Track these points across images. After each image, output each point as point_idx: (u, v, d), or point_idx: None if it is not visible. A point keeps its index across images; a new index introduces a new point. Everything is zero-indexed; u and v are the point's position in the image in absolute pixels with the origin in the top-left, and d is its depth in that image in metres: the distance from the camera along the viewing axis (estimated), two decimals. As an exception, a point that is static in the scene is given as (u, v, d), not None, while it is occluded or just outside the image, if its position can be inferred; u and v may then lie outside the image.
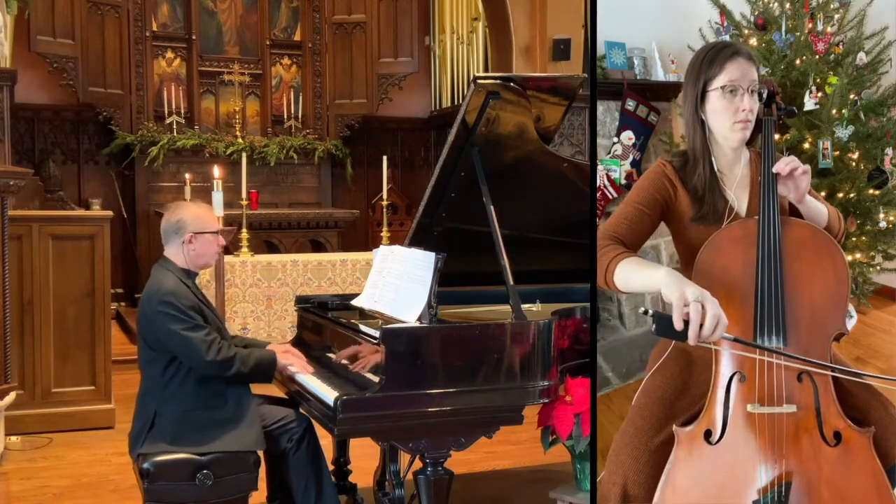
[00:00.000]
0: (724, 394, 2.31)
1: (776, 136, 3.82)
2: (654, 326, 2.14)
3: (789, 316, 2.28)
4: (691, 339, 2.10)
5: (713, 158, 2.51)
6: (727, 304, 2.28)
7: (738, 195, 2.51)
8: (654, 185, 2.53)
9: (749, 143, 2.54)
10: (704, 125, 2.49)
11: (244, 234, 6.75)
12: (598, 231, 2.49)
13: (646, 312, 2.17)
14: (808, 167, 2.40)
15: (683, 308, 2.10)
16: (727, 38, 3.97)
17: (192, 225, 3.11)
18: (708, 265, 2.34)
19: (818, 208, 2.50)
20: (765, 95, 2.46)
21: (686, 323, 2.09)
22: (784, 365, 2.27)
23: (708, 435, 2.31)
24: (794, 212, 2.53)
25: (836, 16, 3.94)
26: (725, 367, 2.32)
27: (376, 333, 2.82)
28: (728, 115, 2.43)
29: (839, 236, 2.57)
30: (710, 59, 2.45)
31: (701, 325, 2.09)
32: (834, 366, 2.31)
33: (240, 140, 9.29)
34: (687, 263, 2.52)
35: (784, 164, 2.37)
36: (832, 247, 2.36)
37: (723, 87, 2.42)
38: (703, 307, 2.09)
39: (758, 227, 2.34)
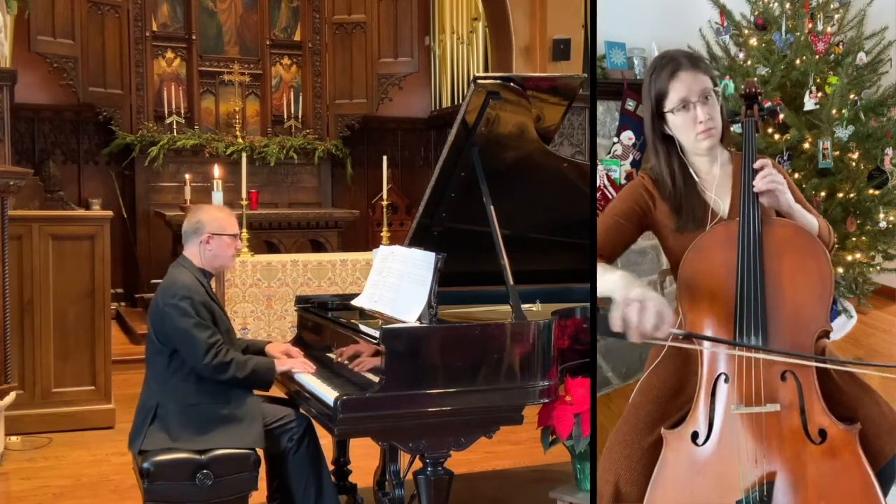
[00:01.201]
0: (708, 395, 2.32)
1: (776, 137, 3.84)
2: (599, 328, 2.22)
3: (770, 315, 2.30)
4: (631, 336, 2.15)
5: (689, 167, 2.52)
6: (712, 305, 2.30)
7: (719, 196, 2.52)
8: (632, 197, 2.58)
9: (721, 141, 2.55)
10: (671, 139, 2.53)
11: (244, 234, 6.74)
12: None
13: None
14: (780, 181, 2.40)
15: (624, 308, 2.16)
16: (727, 38, 3.97)
17: (211, 226, 3.16)
18: (692, 268, 2.36)
19: (808, 220, 2.50)
20: (710, 95, 2.47)
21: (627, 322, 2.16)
22: (766, 364, 2.28)
23: (695, 436, 2.32)
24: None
25: (836, 16, 3.94)
26: (710, 369, 2.33)
27: (376, 333, 2.82)
28: (689, 130, 2.48)
29: (829, 247, 2.58)
30: (655, 77, 2.49)
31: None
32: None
33: (240, 140, 9.29)
34: (675, 269, 2.53)
35: (761, 181, 2.37)
36: (815, 245, 2.37)
37: (673, 107, 2.44)
38: (644, 305, 2.15)
39: (738, 227, 2.35)
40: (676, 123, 2.49)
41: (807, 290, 2.33)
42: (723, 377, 2.32)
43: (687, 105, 2.45)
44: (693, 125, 2.46)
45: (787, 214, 2.45)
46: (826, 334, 2.39)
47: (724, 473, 2.29)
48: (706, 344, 2.32)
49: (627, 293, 2.18)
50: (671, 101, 2.46)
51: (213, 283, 5.55)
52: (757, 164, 2.40)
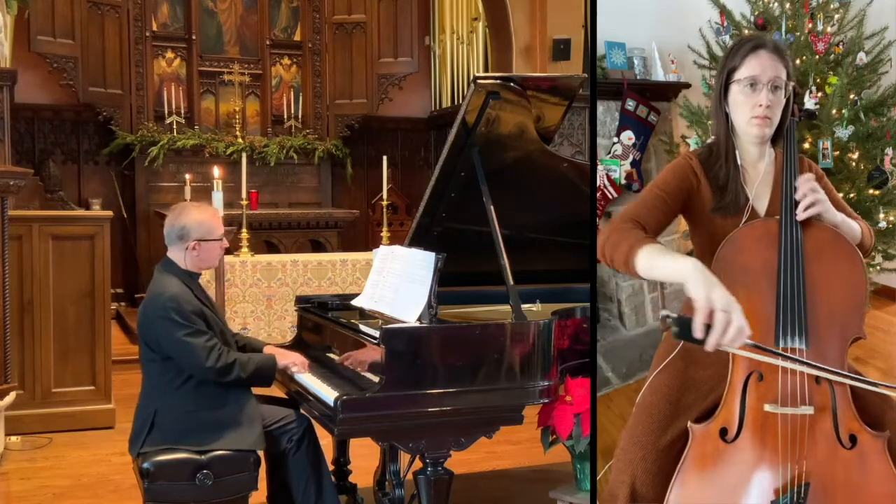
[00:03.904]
0: (740, 392, 2.30)
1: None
2: (675, 329, 2.10)
3: (810, 318, 2.28)
4: (710, 346, 2.08)
5: (737, 153, 2.50)
6: (746, 302, 2.27)
7: (759, 193, 2.50)
8: (678, 176, 2.52)
9: (774, 143, 2.54)
10: (728, 118, 2.50)
11: (244, 234, 6.75)
12: (616, 215, 2.49)
13: (667, 317, 2.13)
14: (821, 198, 2.36)
15: (707, 313, 2.07)
16: (727, 38, 3.97)
17: (197, 232, 3.09)
18: (727, 262, 2.34)
19: (851, 227, 2.46)
20: (780, 87, 2.43)
21: (708, 327, 2.06)
22: (804, 366, 2.26)
23: (724, 433, 2.30)
24: None
25: (836, 16, 3.94)
26: (744, 365, 2.31)
27: (376, 333, 2.82)
28: (746, 110, 2.43)
29: (869, 251, 2.57)
30: (735, 50, 2.46)
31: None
32: (855, 376, 2.29)
33: (240, 140, 9.29)
34: (703, 255, 2.51)
35: (802, 212, 2.34)
36: (851, 251, 2.36)
37: (739, 81, 2.42)
38: (729, 319, 2.06)
39: (779, 228, 2.33)
40: (737, 99, 2.45)
41: (843, 294, 2.32)
42: (756, 374, 2.29)
43: (755, 84, 2.41)
44: (752, 108, 2.42)
45: (834, 225, 2.43)
46: (857, 340, 2.38)
47: (753, 473, 2.27)
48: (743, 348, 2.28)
49: (711, 297, 2.08)
50: (741, 73, 2.42)
51: (211, 284, 5.46)
52: (798, 183, 2.36)
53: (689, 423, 2.34)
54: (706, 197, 2.51)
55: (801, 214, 2.34)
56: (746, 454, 2.28)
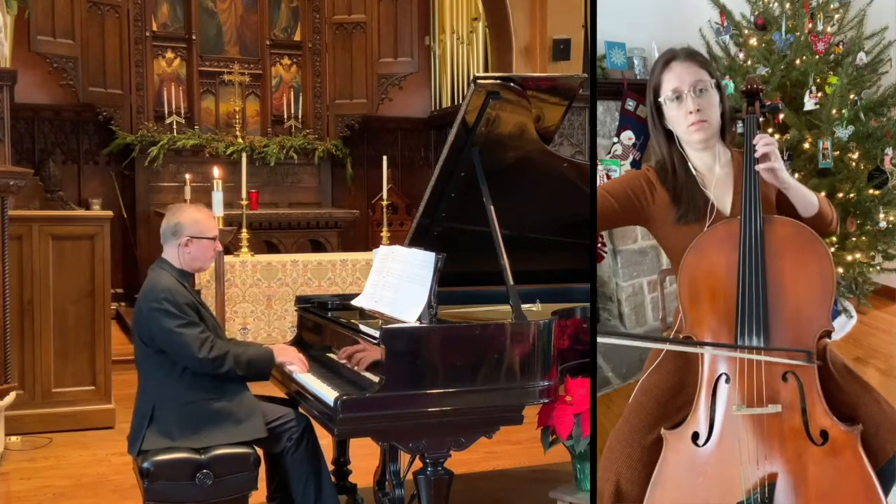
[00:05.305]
0: (709, 396, 2.32)
1: (776, 136, 3.84)
2: None
3: (772, 315, 2.29)
4: None
5: (689, 161, 2.54)
6: (713, 305, 2.30)
7: (721, 194, 2.52)
8: (630, 183, 2.60)
9: (725, 139, 2.56)
10: (670, 134, 2.56)
11: (244, 234, 6.75)
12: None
13: None
14: (774, 165, 2.40)
15: None
16: (727, 38, 3.97)
17: (190, 229, 3.14)
18: (693, 267, 2.36)
19: (806, 194, 2.50)
20: (706, 89, 2.48)
21: None
22: (767, 365, 2.27)
23: (695, 437, 2.32)
24: (783, 205, 2.54)
25: (836, 16, 3.94)
26: (711, 370, 2.33)
27: (376, 333, 2.82)
28: (681, 120, 2.51)
29: (833, 224, 2.59)
30: (653, 70, 2.57)
31: None
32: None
33: (240, 140, 9.28)
34: (677, 266, 2.53)
35: (762, 145, 2.38)
36: (817, 244, 2.37)
37: (666, 96, 2.48)
38: None
39: (740, 226, 2.34)
40: (671, 114, 2.52)
41: (808, 289, 2.33)
42: (723, 377, 2.31)
43: (680, 96, 2.48)
44: (685, 117, 2.48)
45: (784, 187, 2.45)
46: (828, 334, 2.39)
47: (725, 474, 2.29)
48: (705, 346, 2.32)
49: None
50: (664, 91, 2.51)
51: (211, 284, 5.48)
52: (755, 139, 2.41)
53: (662, 430, 2.35)
54: (665, 208, 2.54)
55: (760, 151, 2.37)
56: (718, 456, 2.30)
